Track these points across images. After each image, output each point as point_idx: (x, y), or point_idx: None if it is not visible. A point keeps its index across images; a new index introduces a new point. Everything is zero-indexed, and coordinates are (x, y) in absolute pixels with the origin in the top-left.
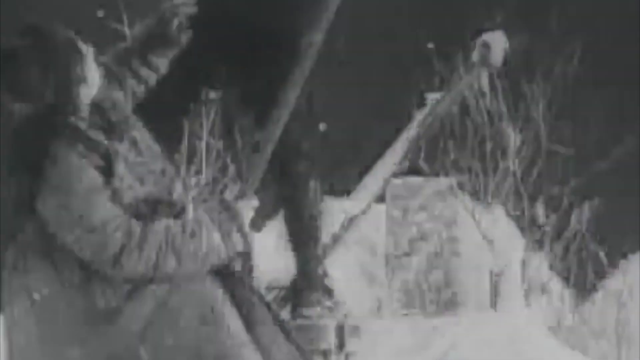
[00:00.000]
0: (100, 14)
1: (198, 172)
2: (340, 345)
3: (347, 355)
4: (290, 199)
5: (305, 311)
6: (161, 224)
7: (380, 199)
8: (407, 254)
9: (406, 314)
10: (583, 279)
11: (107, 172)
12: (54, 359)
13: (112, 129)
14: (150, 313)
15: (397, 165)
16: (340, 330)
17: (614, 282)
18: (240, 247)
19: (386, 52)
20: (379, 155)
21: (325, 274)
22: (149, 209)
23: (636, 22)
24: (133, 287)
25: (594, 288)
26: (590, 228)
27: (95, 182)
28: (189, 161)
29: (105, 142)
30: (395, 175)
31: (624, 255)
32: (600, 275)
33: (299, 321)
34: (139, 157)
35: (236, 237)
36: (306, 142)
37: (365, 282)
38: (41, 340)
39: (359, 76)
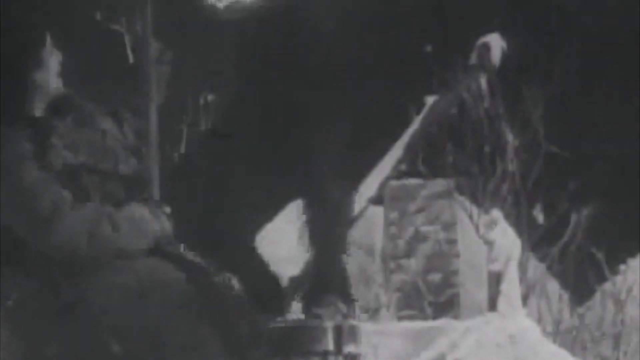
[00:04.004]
0: (99, 16)
1: None
2: (339, 347)
3: (345, 357)
4: (322, 201)
5: (317, 310)
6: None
7: (379, 200)
8: (405, 256)
9: (404, 316)
10: (581, 282)
11: (43, 144)
12: (32, 357)
13: (56, 113)
14: (118, 305)
15: (396, 167)
16: (338, 332)
17: (612, 284)
18: (169, 230)
19: (384, 56)
20: (378, 157)
21: (346, 277)
22: (94, 181)
23: (635, 24)
24: (96, 279)
25: (592, 290)
26: (589, 231)
27: (24, 151)
28: None
29: (45, 120)
30: (393, 177)
31: (623, 260)
32: (599, 278)
33: (302, 321)
34: (80, 132)
35: (164, 220)
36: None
37: (363, 283)
38: (20, 343)
39: (357, 79)
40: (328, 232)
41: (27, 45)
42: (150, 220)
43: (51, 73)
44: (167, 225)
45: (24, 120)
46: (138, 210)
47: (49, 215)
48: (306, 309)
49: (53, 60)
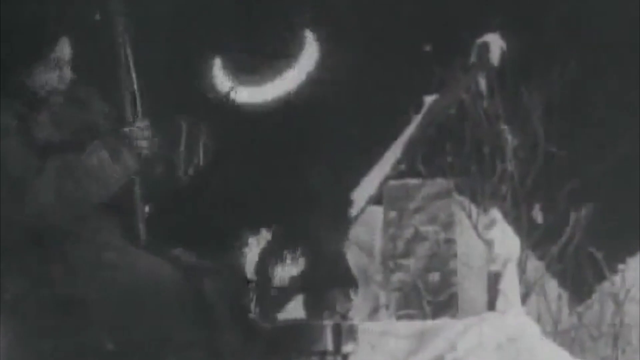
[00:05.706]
0: (98, 17)
1: None
2: (337, 347)
3: (343, 357)
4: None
5: (316, 310)
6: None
7: (378, 200)
8: (405, 256)
9: (403, 315)
10: (580, 281)
11: (30, 119)
12: (28, 353)
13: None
14: (114, 303)
15: (395, 167)
16: (337, 332)
17: (611, 284)
18: (133, 167)
19: (383, 55)
20: (377, 157)
21: (349, 275)
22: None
23: (636, 24)
24: (93, 277)
25: (591, 290)
26: (588, 230)
27: (9, 126)
28: None
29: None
30: (392, 177)
31: (622, 259)
32: (598, 277)
33: (301, 321)
34: (70, 110)
35: (128, 157)
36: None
37: (362, 283)
38: (15, 336)
39: (357, 78)
40: (327, 232)
41: (42, 42)
42: (109, 166)
43: (59, 70)
44: (131, 163)
45: (19, 92)
46: (97, 156)
47: (18, 185)
48: (305, 309)
49: (63, 58)
